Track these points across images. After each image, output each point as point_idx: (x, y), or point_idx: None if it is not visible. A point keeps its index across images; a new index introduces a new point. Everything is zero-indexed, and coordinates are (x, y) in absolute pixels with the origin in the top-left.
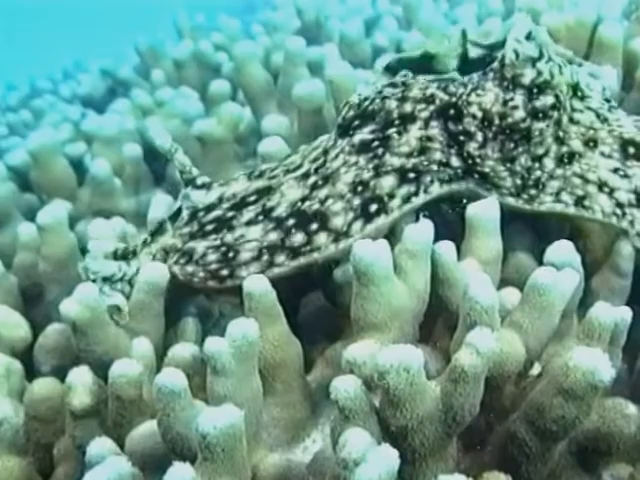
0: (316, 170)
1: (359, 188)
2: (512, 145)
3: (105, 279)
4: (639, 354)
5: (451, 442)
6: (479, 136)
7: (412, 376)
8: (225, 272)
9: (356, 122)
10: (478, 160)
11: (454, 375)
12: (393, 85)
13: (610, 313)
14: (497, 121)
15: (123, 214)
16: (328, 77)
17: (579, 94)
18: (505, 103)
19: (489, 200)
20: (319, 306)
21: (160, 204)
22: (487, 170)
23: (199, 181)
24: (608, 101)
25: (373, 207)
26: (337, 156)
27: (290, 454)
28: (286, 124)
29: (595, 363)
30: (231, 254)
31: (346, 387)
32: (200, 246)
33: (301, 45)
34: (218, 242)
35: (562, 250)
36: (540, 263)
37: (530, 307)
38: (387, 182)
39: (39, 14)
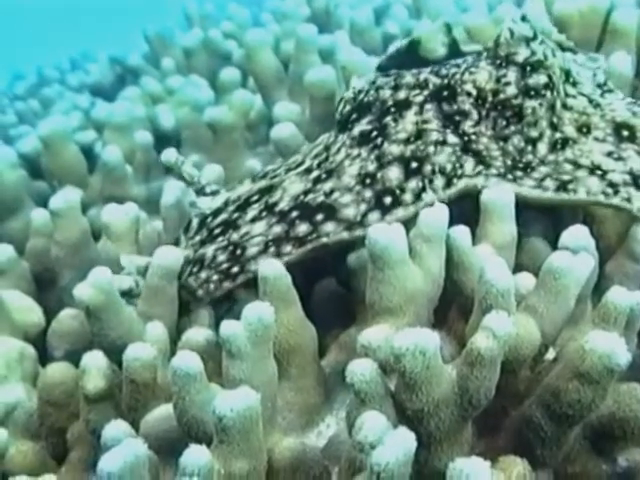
0: (319, 165)
1: (367, 180)
2: (504, 123)
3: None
4: None
5: (466, 426)
6: (474, 114)
7: (428, 359)
8: (236, 269)
9: (354, 115)
10: (473, 137)
11: (470, 358)
12: (386, 75)
13: (626, 297)
14: (490, 98)
15: (134, 201)
16: (340, 63)
17: (571, 80)
18: (498, 80)
19: (504, 185)
20: (333, 291)
21: (173, 190)
22: (481, 147)
23: (208, 190)
24: (600, 86)
25: (387, 199)
26: (339, 150)
27: (305, 438)
28: (297, 111)
29: (611, 346)
30: (239, 251)
31: (362, 370)
32: (209, 250)
33: (312, 32)
34: (225, 242)
35: (577, 235)
36: (554, 249)
37: (545, 291)
38: (393, 174)
39: (47, 4)
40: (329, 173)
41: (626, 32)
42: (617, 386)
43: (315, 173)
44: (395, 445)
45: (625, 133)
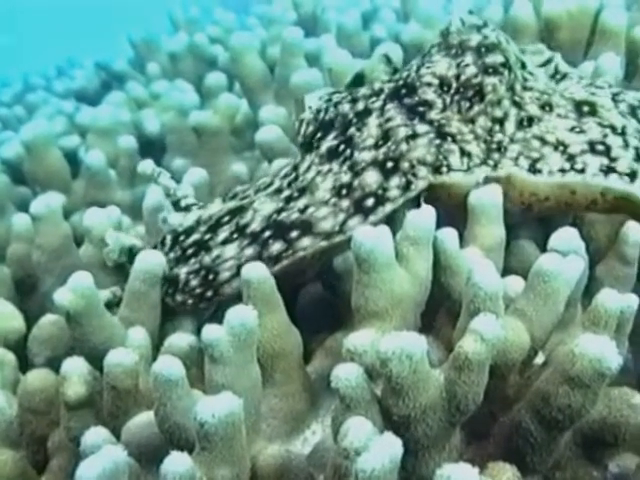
0: (289, 184)
1: (343, 191)
2: (468, 104)
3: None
4: None
5: (454, 432)
6: (438, 103)
7: (415, 364)
8: (210, 293)
9: (318, 134)
10: (443, 122)
11: (458, 363)
12: (338, 92)
13: (616, 300)
14: (455, 84)
15: (118, 206)
16: (327, 65)
17: (527, 70)
18: (458, 66)
19: (492, 187)
20: (319, 295)
21: (155, 193)
22: (454, 131)
23: (183, 203)
24: (554, 76)
25: (369, 202)
26: (309, 169)
27: (290, 445)
28: (284, 114)
29: (602, 350)
30: (211, 276)
31: (347, 375)
32: (182, 272)
33: (298, 35)
34: (197, 265)
35: (567, 237)
36: (543, 251)
37: (535, 294)
38: (371, 178)
39: (33, 11)
40: (301, 191)
41: (615, 33)
42: (608, 391)
43: (286, 192)
44: (381, 451)
45: (586, 109)
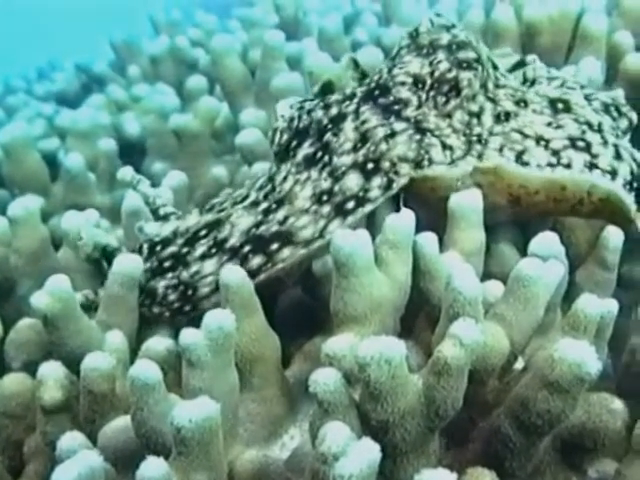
0: (265, 196)
1: (324, 197)
2: (444, 99)
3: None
4: (624, 349)
5: (433, 437)
6: (414, 100)
7: (394, 368)
8: (188, 307)
9: (293, 143)
10: (420, 118)
11: (437, 367)
12: (309, 99)
13: (596, 305)
14: (429, 81)
15: (97, 209)
16: (308, 68)
17: (499, 71)
18: (431, 63)
19: (472, 191)
20: (298, 300)
21: (134, 197)
22: (432, 126)
23: (162, 212)
24: (523, 83)
25: (350, 204)
26: (285, 179)
27: (267, 450)
28: (264, 117)
29: (582, 355)
30: (190, 291)
31: (325, 380)
32: (160, 286)
33: (280, 39)
34: (175, 281)
35: (547, 242)
36: (523, 256)
37: (514, 299)
38: (352, 181)
39: (13, 13)
40: (279, 202)
41: (596, 38)
42: (587, 396)
43: (264, 205)
44: (359, 456)
45: (560, 106)
